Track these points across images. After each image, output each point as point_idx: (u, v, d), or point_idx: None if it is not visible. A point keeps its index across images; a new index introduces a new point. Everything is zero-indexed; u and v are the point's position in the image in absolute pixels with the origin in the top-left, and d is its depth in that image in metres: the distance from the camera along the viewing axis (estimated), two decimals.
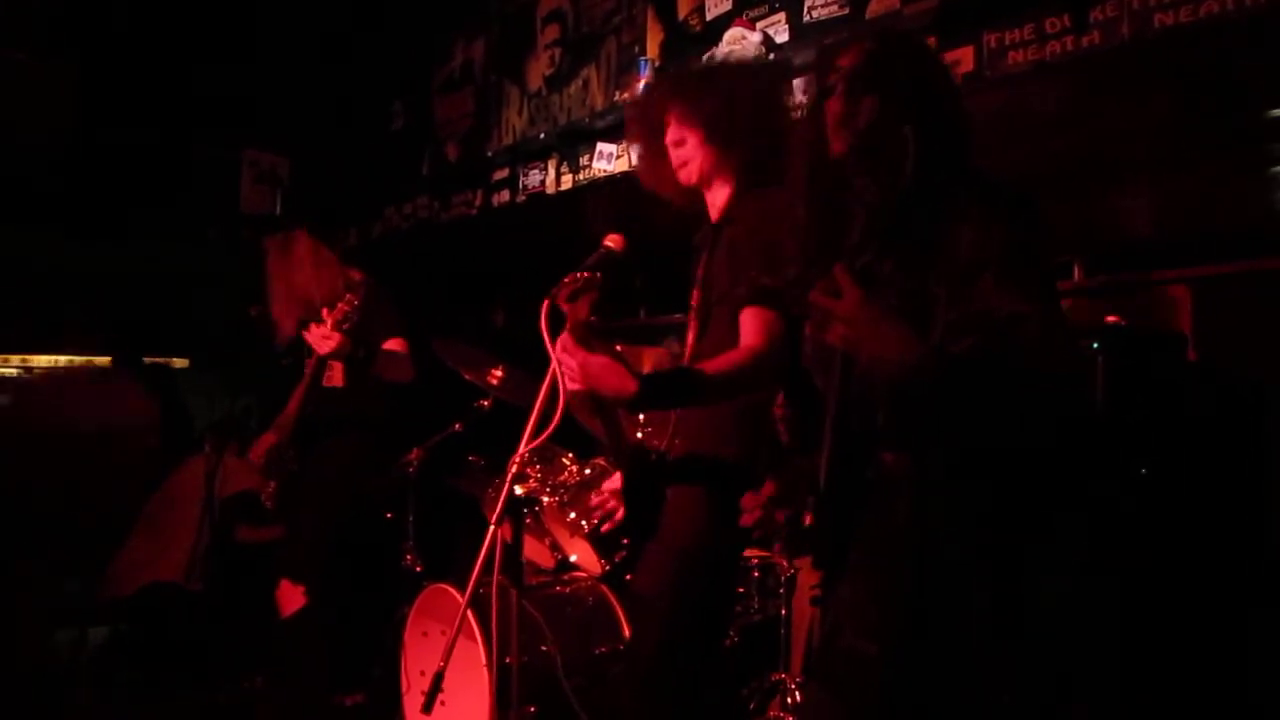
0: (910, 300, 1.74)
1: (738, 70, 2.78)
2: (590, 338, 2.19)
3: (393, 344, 3.84)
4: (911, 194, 1.75)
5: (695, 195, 2.62)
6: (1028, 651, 1.76)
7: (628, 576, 3.08)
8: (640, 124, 2.66)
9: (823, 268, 1.81)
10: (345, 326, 3.62)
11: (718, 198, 2.56)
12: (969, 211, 1.74)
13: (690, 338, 2.59)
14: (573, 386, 2.22)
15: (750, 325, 2.32)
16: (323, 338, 3.64)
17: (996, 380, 1.66)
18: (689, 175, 2.53)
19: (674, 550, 2.44)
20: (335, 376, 3.89)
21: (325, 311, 3.74)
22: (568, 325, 2.20)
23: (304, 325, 3.87)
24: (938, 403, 1.69)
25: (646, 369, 2.41)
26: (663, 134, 2.57)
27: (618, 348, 2.41)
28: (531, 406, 2.25)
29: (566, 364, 2.19)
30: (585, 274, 2.21)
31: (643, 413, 2.51)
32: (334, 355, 3.68)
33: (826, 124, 1.87)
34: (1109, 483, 2.26)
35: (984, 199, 1.76)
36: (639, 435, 2.62)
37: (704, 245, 2.63)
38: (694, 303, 2.62)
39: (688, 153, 2.52)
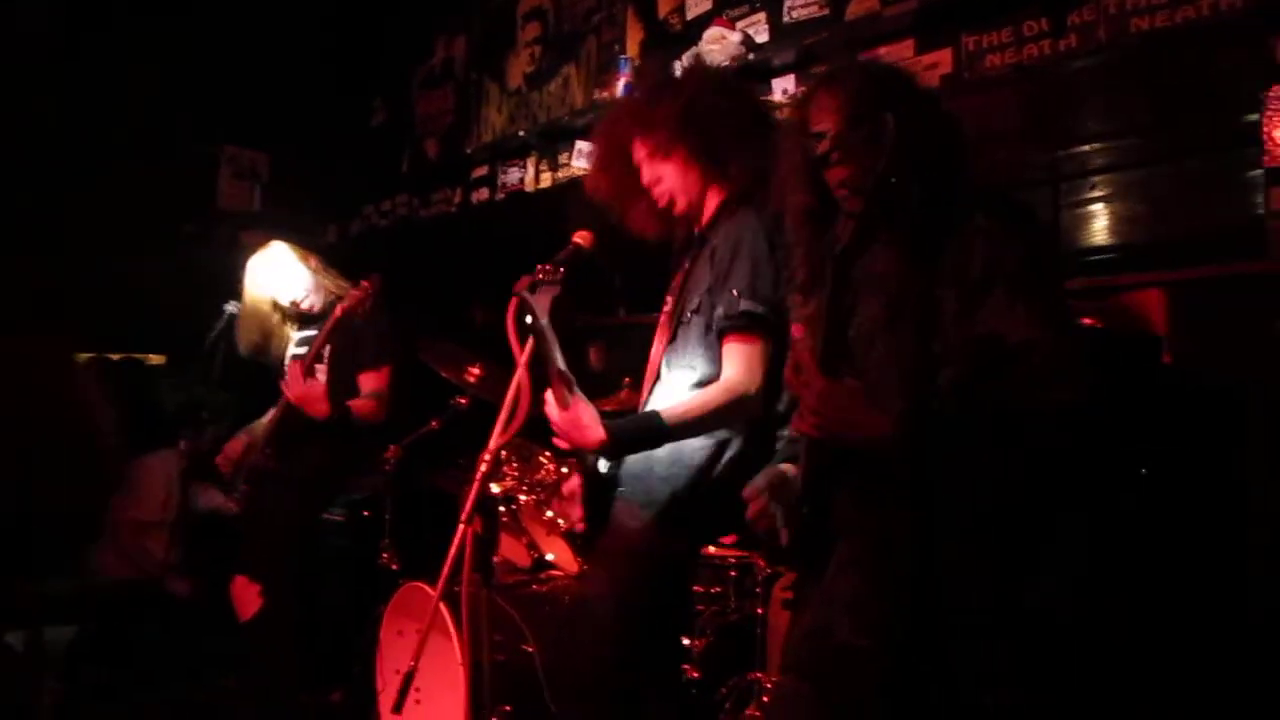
0: (913, 300, 1.74)
1: (689, 74, 2.73)
2: (563, 389, 2.22)
3: (368, 378, 3.80)
4: (901, 190, 1.71)
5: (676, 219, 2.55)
6: (1023, 652, 1.76)
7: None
8: (608, 161, 2.59)
9: (811, 283, 1.83)
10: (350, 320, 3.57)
11: (709, 207, 2.50)
12: (979, 222, 1.74)
13: (660, 345, 2.55)
14: (561, 444, 2.28)
15: (733, 358, 2.29)
16: (300, 396, 3.62)
17: (985, 420, 1.65)
18: (681, 203, 2.47)
19: (617, 553, 2.42)
20: None
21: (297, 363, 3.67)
22: (549, 379, 2.22)
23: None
24: (918, 463, 1.69)
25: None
26: (632, 166, 2.50)
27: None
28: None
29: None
30: (550, 266, 2.20)
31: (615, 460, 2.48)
32: (308, 411, 3.63)
33: (829, 184, 1.85)
34: (1109, 484, 2.27)
35: (994, 211, 1.76)
36: None
37: (685, 252, 2.59)
38: (667, 308, 2.59)
39: (660, 171, 2.45)
